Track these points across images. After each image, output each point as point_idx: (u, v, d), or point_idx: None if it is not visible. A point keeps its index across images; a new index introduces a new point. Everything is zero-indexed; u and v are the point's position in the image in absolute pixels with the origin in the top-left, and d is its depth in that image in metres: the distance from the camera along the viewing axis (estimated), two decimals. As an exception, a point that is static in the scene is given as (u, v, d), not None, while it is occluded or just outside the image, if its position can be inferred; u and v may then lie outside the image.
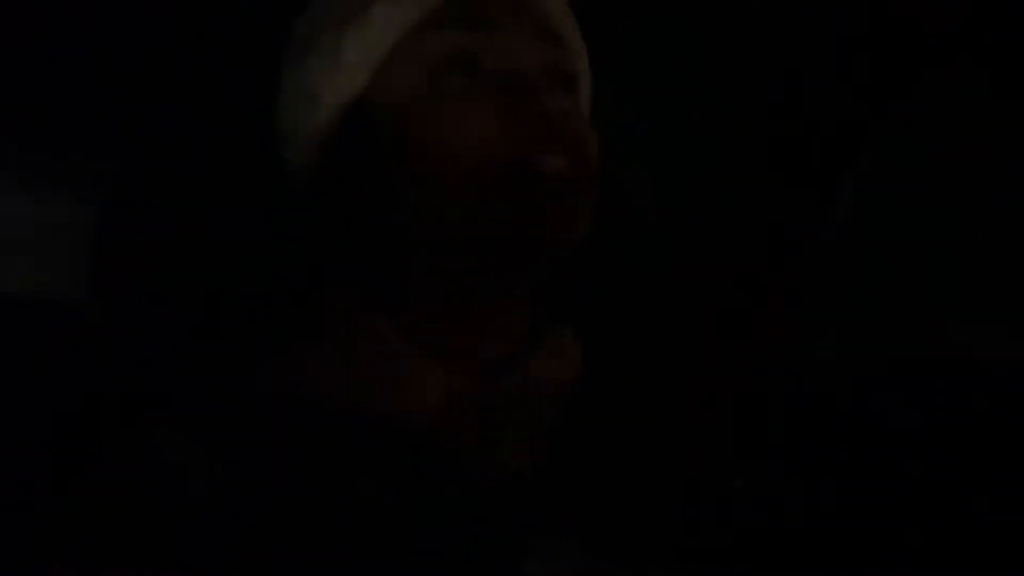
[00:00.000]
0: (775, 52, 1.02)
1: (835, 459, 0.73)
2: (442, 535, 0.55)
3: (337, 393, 0.59)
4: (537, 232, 0.59)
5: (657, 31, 0.99)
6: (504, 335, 0.63)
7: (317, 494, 0.55)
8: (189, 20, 0.81)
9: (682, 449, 0.64)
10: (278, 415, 0.57)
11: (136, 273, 0.71)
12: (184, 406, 0.58)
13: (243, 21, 0.78)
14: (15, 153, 0.90)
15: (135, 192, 0.72)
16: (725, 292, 1.00)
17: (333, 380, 0.59)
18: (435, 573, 0.54)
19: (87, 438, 0.60)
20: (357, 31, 0.62)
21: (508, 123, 0.59)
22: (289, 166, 0.66)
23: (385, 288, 0.62)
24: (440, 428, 0.58)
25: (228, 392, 0.58)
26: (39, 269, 0.87)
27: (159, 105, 0.76)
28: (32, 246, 0.89)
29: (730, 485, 0.63)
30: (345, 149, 0.62)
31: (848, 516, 0.67)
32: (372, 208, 0.61)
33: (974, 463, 0.79)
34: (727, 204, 1.03)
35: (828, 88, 1.01)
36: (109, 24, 0.86)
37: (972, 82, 0.99)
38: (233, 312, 0.68)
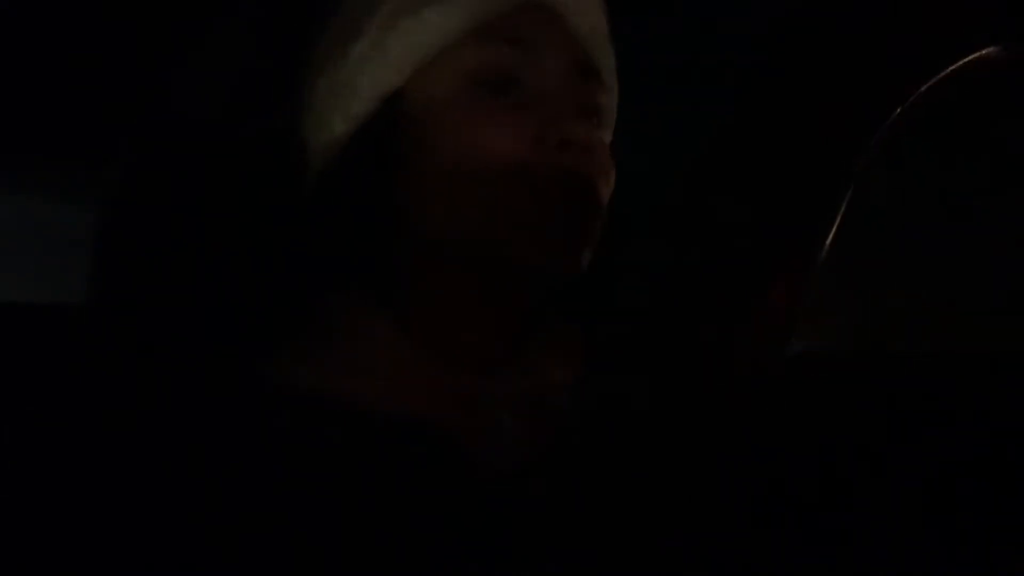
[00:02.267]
0: (778, 47, 1.02)
1: (834, 454, 0.73)
2: (444, 532, 0.55)
3: (341, 391, 0.59)
4: (540, 254, 0.59)
5: (660, 31, 0.99)
6: (506, 333, 0.63)
7: (320, 491, 0.55)
8: (191, 18, 0.81)
9: (684, 447, 0.64)
10: (282, 413, 0.58)
11: (139, 275, 0.71)
12: (187, 405, 0.58)
13: (245, 18, 0.78)
14: (13, 157, 0.90)
15: (139, 193, 0.72)
16: (726, 290, 1.00)
17: (337, 378, 0.60)
18: (438, 569, 0.55)
19: (91, 439, 0.61)
20: (407, 30, 0.63)
21: (535, 145, 0.60)
22: (310, 158, 0.66)
23: (389, 288, 0.63)
24: (442, 426, 0.58)
25: (232, 390, 0.59)
26: (38, 274, 0.87)
27: (162, 104, 0.76)
28: (31, 251, 0.89)
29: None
30: (375, 141, 0.63)
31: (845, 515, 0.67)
32: (389, 205, 0.62)
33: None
34: (729, 201, 1.03)
35: (830, 84, 1.01)
36: (110, 19, 0.86)
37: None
38: (238, 311, 0.69)
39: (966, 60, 0.97)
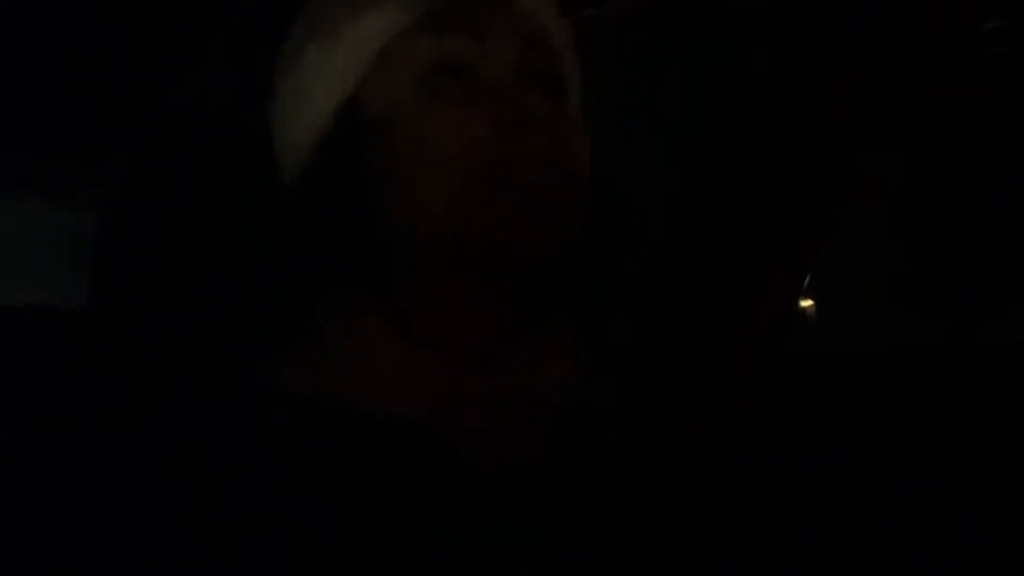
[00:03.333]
0: (777, 49, 1.02)
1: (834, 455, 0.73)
2: (442, 532, 0.55)
3: (339, 392, 0.59)
4: (517, 240, 0.59)
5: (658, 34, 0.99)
6: (501, 331, 0.63)
7: (319, 491, 0.55)
8: (187, 25, 0.81)
9: (682, 447, 0.64)
10: (281, 414, 0.58)
11: (138, 277, 0.71)
12: (187, 406, 0.58)
13: (241, 25, 0.78)
14: (13, 161, 0.90)
15: (137, 196, 0.73)
16: (726, 288, 1.00)
17: (335, 379, 0.60)
18: (435, 569, 0.55)
19: (92, 442, 0.61)
20: (348, 34, 0.62)
21: (492, 131, 0.59)
22: (284, 169, 0.66)
23: (381, 288, 0.63)
24: (440, 426, 0.58)
25: (231, 392, 0.59)
26: (38, 278, 0.87)
27: (157, 110, 0.76)
28: (32, 255, 0.89)
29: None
30: (335, 151, 0.63)
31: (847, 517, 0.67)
32: (361, 210, 0.62)
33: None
34: (728, 200, 1.04)
35: (831, 86, 1.01)
36: (106, 30, 0.86)
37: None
38: (237, 313, 0.69)
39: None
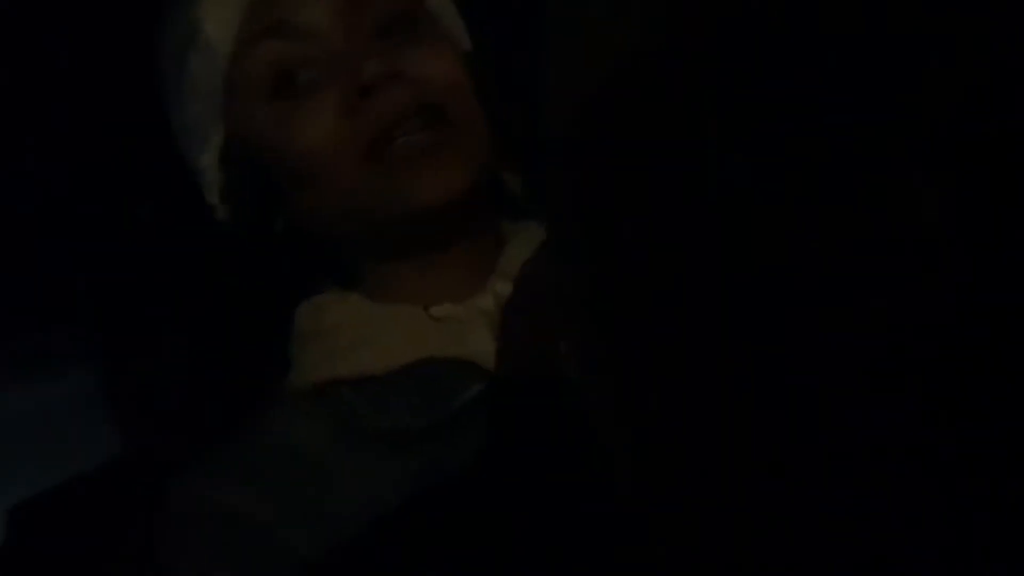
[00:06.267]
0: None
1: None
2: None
3: (351, 373, 0.61)
4: (421, 192, 0.59)
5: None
6: (463, 257, 0.64)
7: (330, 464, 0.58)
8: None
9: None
10: (304, 410, 0.61)
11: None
12: (199, 406, 0.59)
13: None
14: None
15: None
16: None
17: (344, 363, 0.61)
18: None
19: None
20: (193, 69, 0.63)
21: (345, 113, 0.59)
22: (208, 198, 0.67)
23: (345, 275, 0.64)
24: (450, 357, 0.60)
25: (246, 390, 0.62)
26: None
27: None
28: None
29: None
30: (234, 178, 0.64)
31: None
32: (283, 218, 0.63)
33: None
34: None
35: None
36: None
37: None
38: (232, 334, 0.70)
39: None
